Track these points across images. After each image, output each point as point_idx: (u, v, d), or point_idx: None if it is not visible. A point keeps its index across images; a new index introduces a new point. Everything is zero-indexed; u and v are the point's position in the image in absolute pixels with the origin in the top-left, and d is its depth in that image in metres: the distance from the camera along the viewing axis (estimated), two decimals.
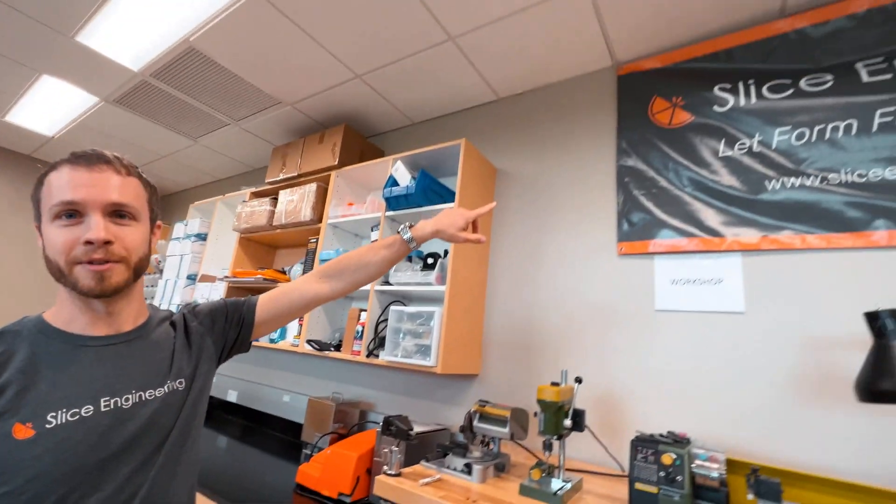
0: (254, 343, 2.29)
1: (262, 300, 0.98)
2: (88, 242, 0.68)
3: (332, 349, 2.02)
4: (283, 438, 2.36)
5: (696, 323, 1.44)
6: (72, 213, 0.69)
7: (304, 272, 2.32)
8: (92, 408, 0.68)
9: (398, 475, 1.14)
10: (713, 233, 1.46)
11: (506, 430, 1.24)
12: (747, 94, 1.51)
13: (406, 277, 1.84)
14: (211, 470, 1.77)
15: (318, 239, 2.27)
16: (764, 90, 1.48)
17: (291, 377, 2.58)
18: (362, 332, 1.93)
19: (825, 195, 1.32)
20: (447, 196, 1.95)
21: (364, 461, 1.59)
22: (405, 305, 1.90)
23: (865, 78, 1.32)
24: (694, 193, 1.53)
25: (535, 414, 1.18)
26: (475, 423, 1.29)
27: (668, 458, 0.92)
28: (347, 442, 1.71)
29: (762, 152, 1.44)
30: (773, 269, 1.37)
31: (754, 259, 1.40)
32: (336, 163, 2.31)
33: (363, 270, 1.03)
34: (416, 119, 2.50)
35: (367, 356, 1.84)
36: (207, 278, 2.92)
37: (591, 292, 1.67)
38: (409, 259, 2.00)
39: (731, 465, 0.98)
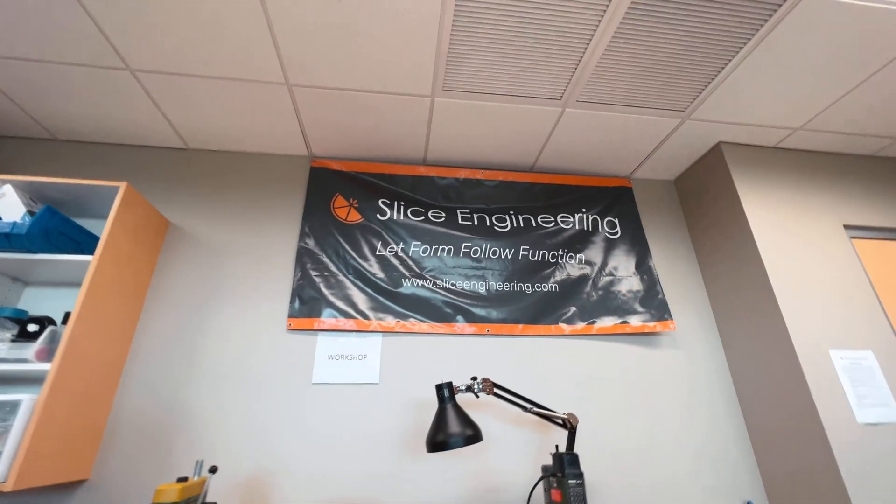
0: None
1: None
2: None
3: None
4: None
5: (344, 394, 1.66)
6: None
7: None
8: None
9: None
10: (364, 315, 1.78)
11: None
12: (399, 212, 2.02)
13: None
14: None
15: None
16: (408, 212, 2.02)
17: None
18: None
19: (434, 294, 1.87)
20: (87, 245, 1.57)
21: None
22: None
23: (459, 220, 2.03)
24: (354, 281, 1.84)
25: None
26: None
27: None
28: None
29: (403, 257, 1.92)
30: (401, 347, 1.78)
31: (390, 339, 1.79)
32: None
33: None
34: (61, 135, 1.94)
35: None
36: None
37: (256, 367, 1.66)
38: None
39: None
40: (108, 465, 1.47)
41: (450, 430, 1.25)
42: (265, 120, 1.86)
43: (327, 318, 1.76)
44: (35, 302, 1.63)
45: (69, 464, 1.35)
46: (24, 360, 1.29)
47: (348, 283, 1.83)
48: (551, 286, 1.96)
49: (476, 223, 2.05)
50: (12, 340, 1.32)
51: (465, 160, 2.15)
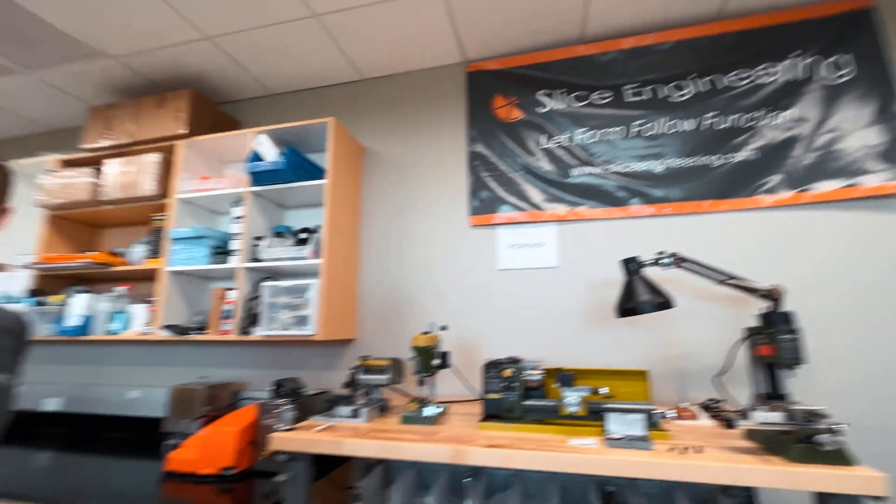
0: (86, 338, 2.00)
1: None
2: None
3: (196, 332, 1.92)
4: (135, 438, 2.14)
5: (526, 277, 1.88)
6: None
7: (151, 254, 2.09)
8: None
9: (292, 429, 1.25)
10: (537, 207, 1.90)
11: (386, 376, 1.46)
12: (560, 101, 1.97)
13: (278, 253, 1.86)
14: (41, 486, 1.53)
15: (164, 216, 2.06)
16: (570, 98, 1.96)
17: (141, 371, 2.31)
18: (231, 310, 1.89)
19: (605, 180, 1.86)
20: (316, 173, 2.01)
21: (247, 434, 1.62)
22: (276, 281, 1.92)
23: (628, 98, 1.88)
24: (524, 176, 1.94)
25: (411, 359, 1.42)
26: (359, 375, 1.48)
27: (507, 373, 1.27)
28: (224, 420, 1.70)
29: (568, 146, 1.92)
30: (575, 233, 1.87)
31: (564, 227, 1.89)
32: (185, 131, 2.10)
33: None
34: (275, 90, 2.42)
35: (240, 334, 1.83)
36: None
37: (448, 258, 1.99)
38: (280, 234, 2.00)
39: (548, 372, 1.40)
40: (364, 329, 2.04)
41: (639, 297, 1.34)
42: (421, 32, 1.96)
43: (503, 213, 1.94)
44: (291, 220, 2.22)
45: (344, 327, 1.93)
46: (304, 258, 1.82)
47: (518, 179, 1.95)
48: (747, 154, 1.72)
49: (648, 97, 1.87)
50: (293, 245, 1.88)
51: (629, 26, 1.91)
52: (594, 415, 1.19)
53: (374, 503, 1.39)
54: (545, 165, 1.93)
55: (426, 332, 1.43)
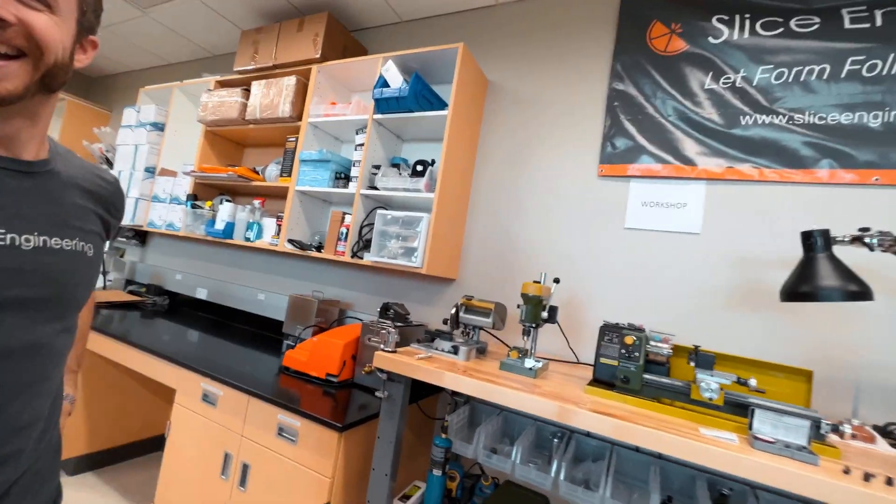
0: (228, 241, 2.26)
1: None
2: None
3: (315, 249, 2.06)
4: (258, 332, 2.46)
5: (658, 240, 1.63)
6: None
7: (282, 173, 2.26)
8: None
9: (395, 351, 1.28)
10: (686, 161, 1.60)
11: (489, 319, 1.41)
12: (741, 28, 1.57)
13: (394, 183, 1.87)
14: (190, 354, 1.83)
15: (296, 138, 2.18)
16: (757, 26, 1.55)
17: (266, 277, 2.61)
18: (346, 234, 1.98)
19: (788, 134, 1.47)
20: (438, 104, 1.92)
21: (349, 348, 1.73)
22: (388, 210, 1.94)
23: (847, 24, 1.42)
24: (676, 123, 1.63)
25: (518, 306, 1.34)
26: (461, 314, 1.44)
27: (629, 339, 1.12)
28: (332, 332, 1.84)
29: (743, 88, 1.55)
30: (730, 196, 1.55)
31: (716, 187, 1.57)
32: (318, 56, 2.16)
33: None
34: (404, 16, 2.34)
35: (352, 257, 1.91)
36: (167, 172, 2.75)
37: (570, 208, 1.81)
38: (397, 165, 2.00)
39: (674, 349, 1.21)
40: (466, 271, 2.00)
41: (822, 280, 1.05)
42: None
43: (641, 164, 1.67)
44: (407, 153, 2.21)
45: (447, 266, 1.91)
46: (419, 191, 1.80)
47: (667, 126, 1.65)
48: None
49: (879, 24, 1.39)
50: (409, 176, 1.86)
51: None
52: (734, 407, 1.00)
53: (458, 438, 1.40)
54: (707, 111, 1.59)
55: (536, 282, 1.32)
